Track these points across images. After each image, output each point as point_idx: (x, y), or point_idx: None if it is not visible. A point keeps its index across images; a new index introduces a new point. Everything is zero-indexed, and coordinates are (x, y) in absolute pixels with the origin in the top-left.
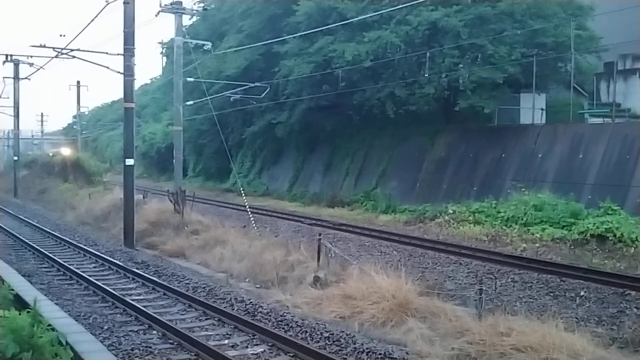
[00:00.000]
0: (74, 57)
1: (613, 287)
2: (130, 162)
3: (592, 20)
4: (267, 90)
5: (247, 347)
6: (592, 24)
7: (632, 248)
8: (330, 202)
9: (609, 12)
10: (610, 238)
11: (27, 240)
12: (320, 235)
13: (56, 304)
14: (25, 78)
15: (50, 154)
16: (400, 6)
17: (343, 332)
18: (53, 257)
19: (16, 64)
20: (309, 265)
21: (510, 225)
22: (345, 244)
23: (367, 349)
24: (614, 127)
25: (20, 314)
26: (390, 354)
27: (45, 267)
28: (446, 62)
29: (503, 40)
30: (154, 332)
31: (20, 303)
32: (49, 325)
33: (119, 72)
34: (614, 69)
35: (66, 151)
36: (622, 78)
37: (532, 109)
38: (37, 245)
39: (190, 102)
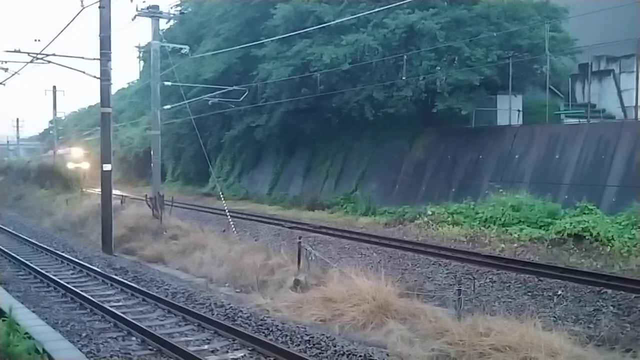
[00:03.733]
0: (49, 62)
1: (590, 286)
2: (107, 167)
3: (566, 23)
4: (246, 93)
5: (227, 352)
6: (567, 26)
7: (608, 247)
8: (311, 205)
9: (583, 15)
10: (586, 237)
11: (3, 248)
12: (300, 238)
13: (33, 311)
14: (0, 83)
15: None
16: (377, 9)
17: (323, 335)
18: (30, 264)
19: None
20: (289, 269)
21: (489, 226)
22: (326, 247)
23: (347, 351)
24: (589, 127)
25: None
26: (371, 356)
27: (22, 275)
28: (423, 64)
29: (479, 43)
30: (133, 338)
31: None
32: (26, 333)
33: (95, 76)
34: (588, 71)
35: (77, 152)
36: (597, 79)
37: (508, 110)
38: (14, 253)
39: (168, 106)
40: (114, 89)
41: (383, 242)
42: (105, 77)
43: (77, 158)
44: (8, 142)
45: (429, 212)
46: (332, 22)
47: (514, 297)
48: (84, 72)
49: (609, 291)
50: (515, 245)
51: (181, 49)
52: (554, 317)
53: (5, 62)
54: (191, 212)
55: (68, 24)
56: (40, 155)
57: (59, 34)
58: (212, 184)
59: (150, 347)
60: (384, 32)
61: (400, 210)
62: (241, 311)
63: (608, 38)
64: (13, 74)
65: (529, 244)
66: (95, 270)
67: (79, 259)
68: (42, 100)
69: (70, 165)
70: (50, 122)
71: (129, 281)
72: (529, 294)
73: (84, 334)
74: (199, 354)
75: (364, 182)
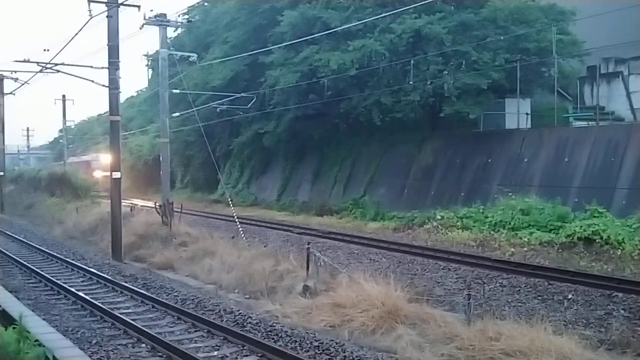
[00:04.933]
0: (58, 71)
1: (600, 290)
2: (117, 175)
3: (574, 25)
4: (254, 100)
5: (236, 358)
6: (574, 29)
7: (619, 250)
8: (319, 211)
9: (591, 17)
10: (597, 240)
11: (14, 256)
12: (309, 244)
13: (43, 319)
14: (10, 93)
15: (89, 160)
16: (384, 14)
17: (333, 340)
18: (40, 272)
19: (0, 79)
20: (298, 275)
21: (498, 230)
22: (335, 253)
23: (357, 357)
24: (598, 130)
25: (6, 330)
26: None
27: (32, 283)
28: (431, 69)
29: (486, 47)
30: (143, 345)
31: (6, 319)
32: (36, 340)
33: (104, 85)
34: (596, 73)
35: (107, 159)
36: (605, 81)
37: (517, 113)
38: (24, 261)
39: (177, 114)
40: (122, 97)
41: (392, 247)
42: (113, 85)
43: (107, 165)
44: (19, 151)
45: (438, 217)
46: (339, 28)
47: (524, 301)
48: (92, 81)
49: (620, 295)
50: (525, 249)
51: (189, 56)
52: (565, 321)
53: (15, 71)
54: (200, 219)
55: (76, 34)
56: (51, 163)
57: (68, 43)
58: (221, 190)
59: (160, 354)
60: (390, 37)
61: (409, 215)
62: (250, 317)
63: (616, 40)
64: (23, 84)
65: (538, 248)
66: (105, 277)
67: (89, 267)
68: (52, 109)
69: (98, 174)
70: (60, 130)
71: (139, 288)
72: (539, 298)
73: (94, 341)
74: None
75: (372, 187)
